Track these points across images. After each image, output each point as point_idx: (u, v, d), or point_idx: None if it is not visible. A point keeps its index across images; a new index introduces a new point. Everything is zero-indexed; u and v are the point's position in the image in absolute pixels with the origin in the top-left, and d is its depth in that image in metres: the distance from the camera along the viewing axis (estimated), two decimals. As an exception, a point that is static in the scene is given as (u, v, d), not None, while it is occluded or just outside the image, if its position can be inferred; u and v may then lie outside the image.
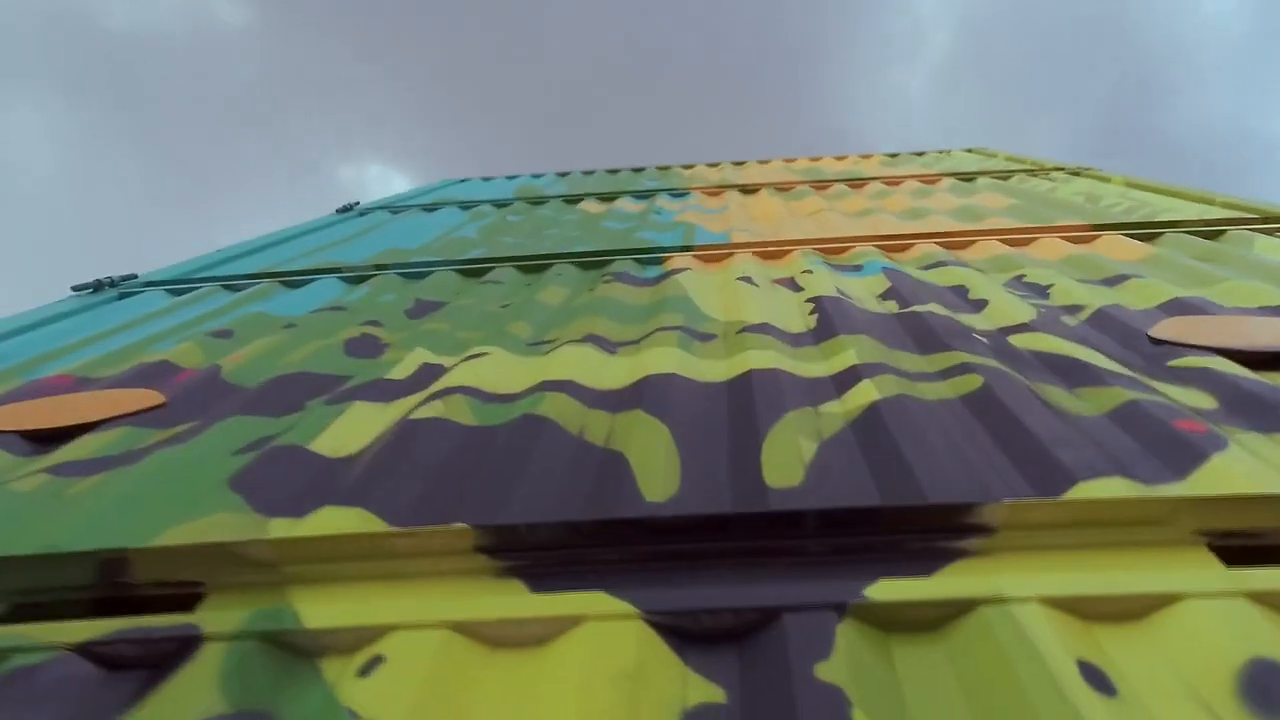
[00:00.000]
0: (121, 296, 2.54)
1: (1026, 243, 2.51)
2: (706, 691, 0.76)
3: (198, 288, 2.53)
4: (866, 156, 5.58)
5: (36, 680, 0.81)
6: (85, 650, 0.85)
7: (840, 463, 1.12)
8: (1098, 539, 0.97)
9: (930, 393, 1.37)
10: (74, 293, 2.50)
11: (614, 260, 2.52)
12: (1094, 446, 1.12)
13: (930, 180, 4.09)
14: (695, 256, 2.53)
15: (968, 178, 4.07)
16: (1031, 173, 4.07)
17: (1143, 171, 5.85)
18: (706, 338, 1.76)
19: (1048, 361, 1.49)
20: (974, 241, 2.50)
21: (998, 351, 1.54)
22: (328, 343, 1.84)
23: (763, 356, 1.53)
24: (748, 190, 4.15)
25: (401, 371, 1.63)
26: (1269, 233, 2.46)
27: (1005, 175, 4.07)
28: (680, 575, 0.94)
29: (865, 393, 1.34)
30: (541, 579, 0.97)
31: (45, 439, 1.43)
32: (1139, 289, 1.91)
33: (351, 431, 1.35)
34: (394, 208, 4.22)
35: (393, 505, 1.08)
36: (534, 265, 2.54)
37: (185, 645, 0.85)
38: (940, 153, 5.61)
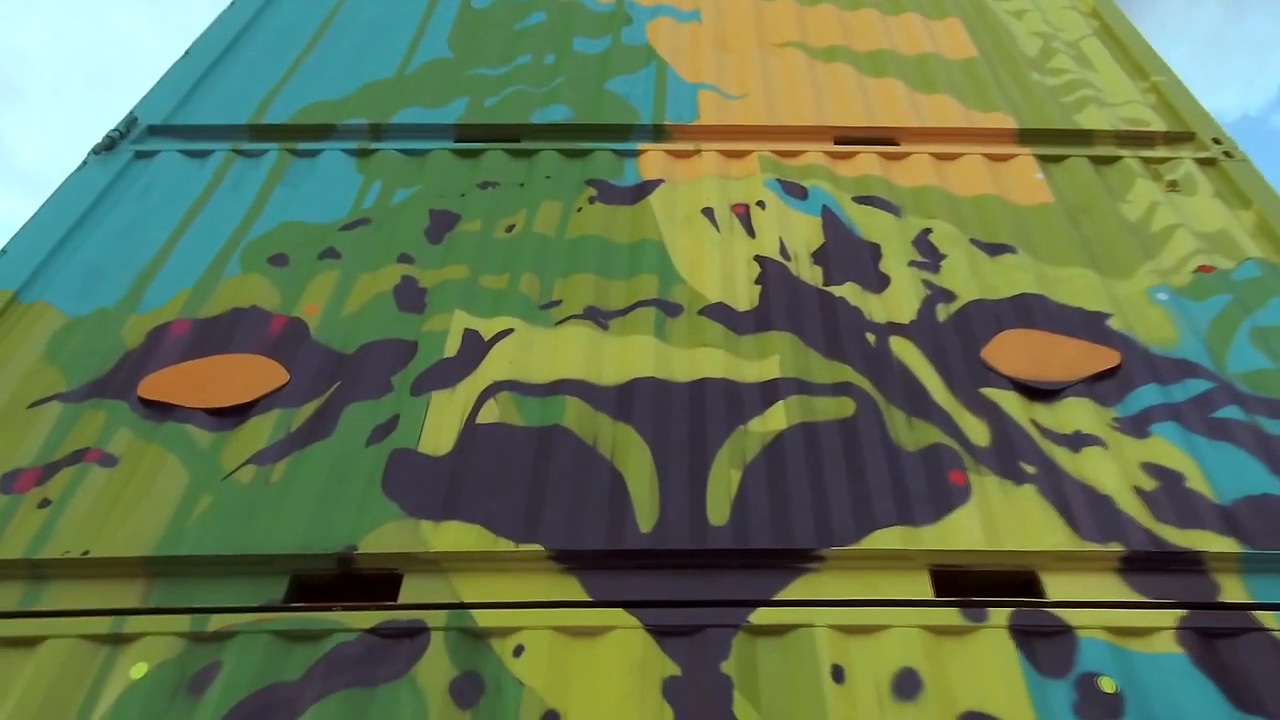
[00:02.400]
0: (138, 156, 2.72)
1: (954, 158, 2.91)
2: (672, 669, 1.66)
3: (211, 152, 2.73)
4: None
5: (347, 654, 1.64)
6: (373, 631, 1.67)
7: (750, 503, 1.90)
8: (875, 565, 1.84)
9: (821, 412, 2.10)
10: (95, 156, 2.66)
11: (593, 152, 2.83)
12: (893, 496, 1.92)
13: None
14: (666, 153, 2.85)
15: None
16: None
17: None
18: (675, 311, 2.33)
19: (905, 381, 2.19)
20: (908, 155, 2.88)
21: (875, 365, 2.22)
22: (379, 291, 2.32)
23: (712, 359, 2.17)
24: None
25: (451, 346, 2.20)
26: (1156, 161, 2.93)
27: None
28: (663, 585, 1.78)
29: (776, 418, 2.06)
30: (586, 577, 1.79)
31: (218, 413, 2.03)
32: (1007, 271, 2.50)
33: (440, 430, 2.01)
34: None
35: (495, 521, 1.84)
36: (522, 150, 2.83)
37: (421, 631, 1.67)
38: None
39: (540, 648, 1.66)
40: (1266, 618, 1.75)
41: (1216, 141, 3.02)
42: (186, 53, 3.19)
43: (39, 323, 2.23)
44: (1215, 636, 1.72)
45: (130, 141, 2.76)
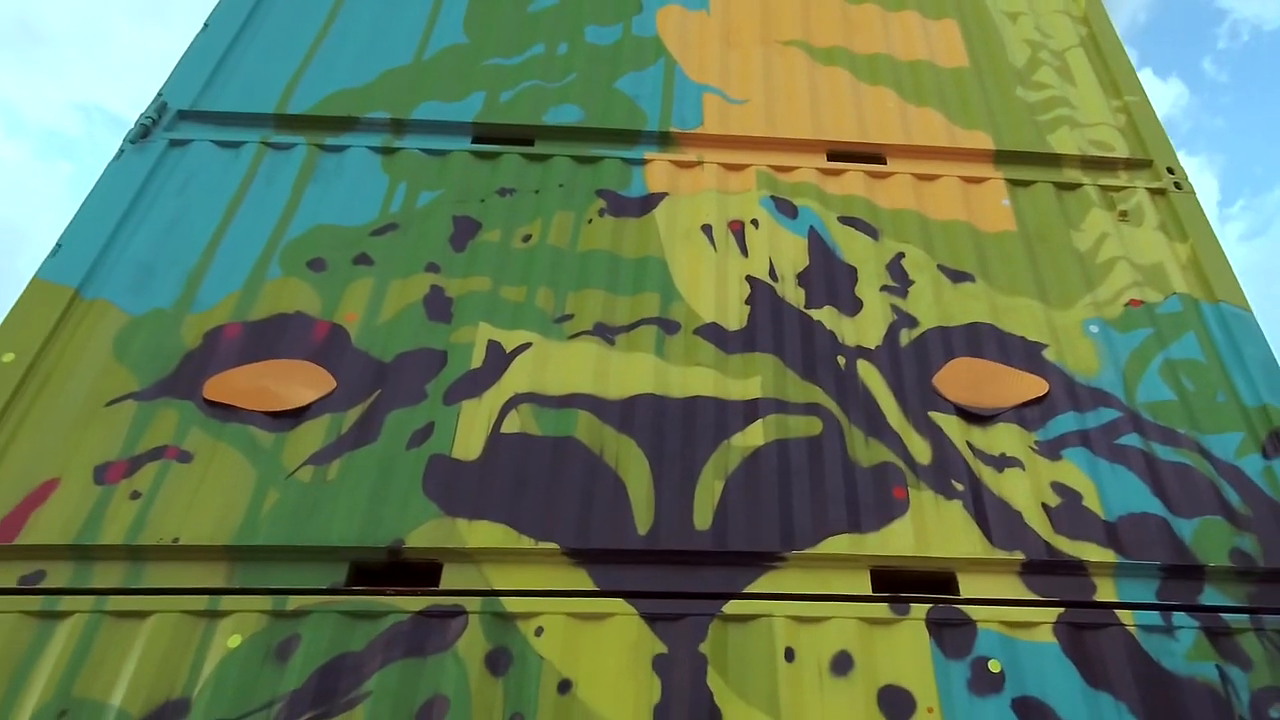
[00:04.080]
0: (172, 145, 2.87)
1: (933, 179, 3.17)
2: (660, 648, 2.09)
3: (242, 144, 2.89)
4: None
5: (401, 631, 2.04)
6: (421, 613, 2.07)
7: (729, 510, 2.30)
8: (826, 566, 2.27)
9: (793, 430, 2.47)
10: (131, 145, 2.80)
11: (603, 160, 3.03)
12: (846, 507, 2.33)
13: None
14: (671, 163, 3.07)
15: None
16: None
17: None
18: (674, 329, 2.64)
19: (866, 403, 2.56)
20: (892, 175, 3.14)
21: (843, 388, 2.58)
22: (410, 300, 2.59)
23: (703, 379, 2.52)
24: None
25: (477, 357, 2.51)
26: (1113, 189, 3.23)
27: None
28: (655, 579, 2.19)
29: (755, 435, 2.43)
30: (593, 570, 2.20)
31: (276, 415, 2.34)
32: (964, 300, 2.83)
33: (470, 437, 2.35)
34: None
35: (518, 521, 2.22)
36: (536, 155, 3.02)
37: (460, 614, 2.07)
38: None
39: (556, 629, 2.08)
40: (1125, 615, 2.24)
41: (1170, 171, 3.31)
42: (206, 25, 3.24)
43: (103, 320, 2.48)
44: (1083, 629, 2.21)
45: (163, 129, 2.89)
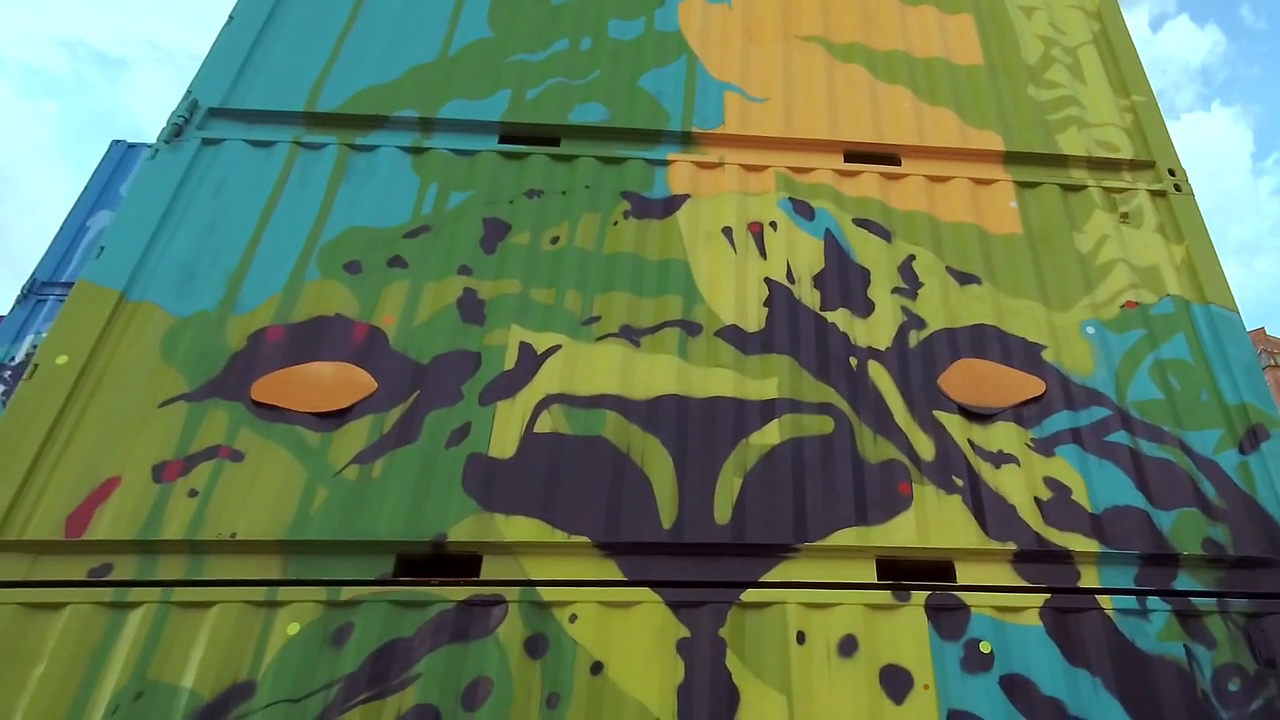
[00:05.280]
0: (205, 144, 2.93)
1: (945, 180, 3.27)
2: (684, 633, 2.28)
3: (274, 143, 2.96)
4: None
5: (447, 619, 2.21)
6: (465, 602, 2.24)
7: (747, 505, 2.46)
8: (835, 556, 2.45)
9: (807, 429, 2.63)
10: (165, 144, 2.86)
11: (627, 160, 3.11)
12: (854, 502, 2.50)
13: None
14: (693, 164, 3.16)
15: None
16: None
17: None
18: (696, 330, 2.77)
19: (876, 403, 2.71)
20: (905, 176, 3.24)
21: (854, 388, 2.73)
22: (444, 303, 2.71)
23: (723, 379, 2.66)
24: None
25: (510, 359, 2.63)
26: (1116, 190, 3.34)
27: None
28: (679, 569, 2.37)
29: (771, 434, 2.59)
30: (622, 561, 2.37)
31: (321, 415, 2.47)
32: (970, 302, 2.97)
33: (505, 436, 2.49)
34: None
35: (552, 516, 2.38)
36: (562, 155, 3.10)
37: (500, 602, 2.25)
38: None
39: (589, 616, 2.26)
40: (1104, 600, 2.44)
41: (1171, 173, 3.43)
42: (231, 18, 3.26)
43: (149, 323, 2.59)
44: (1066, 612, 2.41)
45: (195, 127, 2.95)
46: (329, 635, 2.18)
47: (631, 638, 2.24)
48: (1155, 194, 3.36)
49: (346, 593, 2.23)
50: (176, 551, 2.27)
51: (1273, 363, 24.12)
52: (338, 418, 2.49)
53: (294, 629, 2.17)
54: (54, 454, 2.34)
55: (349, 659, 2.14)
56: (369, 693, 2.10)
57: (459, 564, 2.34)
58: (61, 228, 7.14)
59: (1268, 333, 25.33)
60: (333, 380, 2.54)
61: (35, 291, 6.79)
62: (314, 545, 2.30)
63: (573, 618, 2.25)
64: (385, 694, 2.11)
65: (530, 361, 2.65)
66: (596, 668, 2.19)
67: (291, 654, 2.13)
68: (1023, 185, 3.32)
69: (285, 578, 2.26)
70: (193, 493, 2.33)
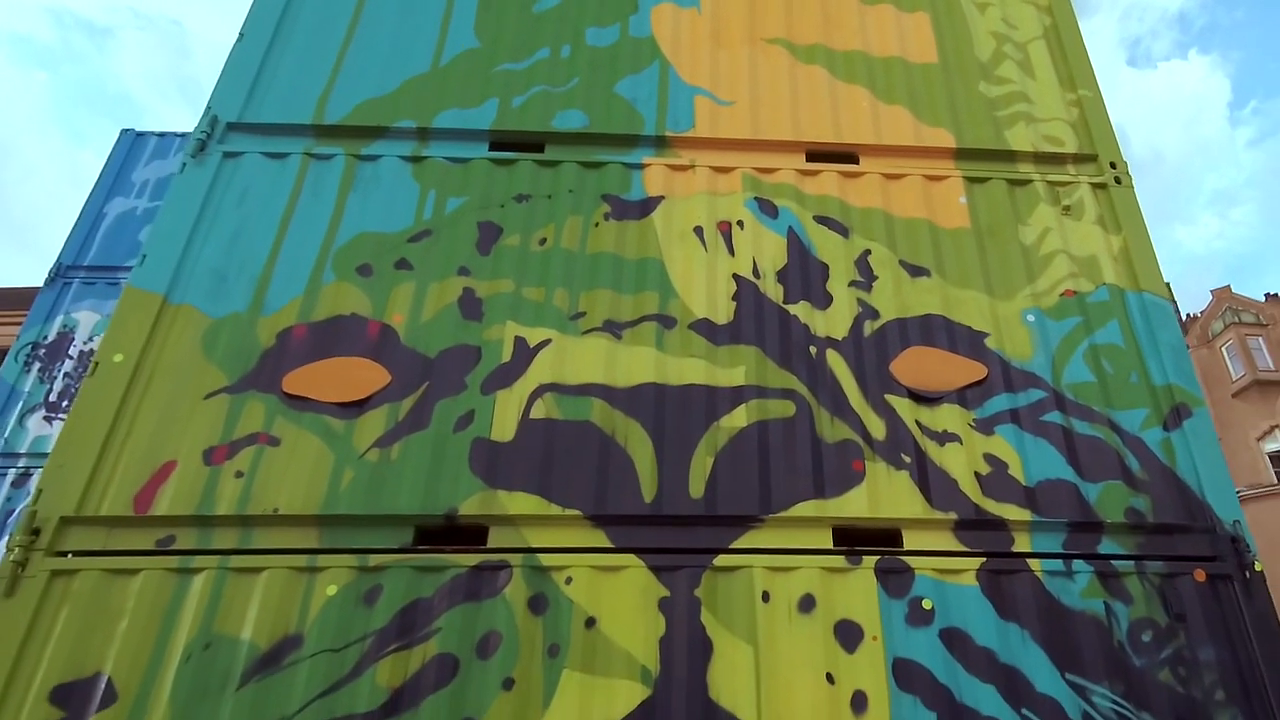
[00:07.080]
0: (226, 157, 3.22)
1: (899, 178, 3.56)
2: (664, 593, 2.66)
3: (287, 155, 3.24)
4: None
5: (460, 582, 2.59)
6: (475, 567, 2.61)
7: (718, 480, 2.82)
8: (796, 526, 2.83)
9: (772, 413, 2.97)
10: (192, 159, 3.14)
11: (606, 165, 3.40)
12: (813, 478, 2.86)
13: None
14: (667, 166, 3.44)
15: None
16: None
17: None
18: (671, 324, 3.10)
19: (833, 388, 3.05)
20: (863, 174, 3.52)
21: (814, 375, 3.06)
22: (446, 302, 3.03)
23: (696, 368, 3.00)
24: None
25: (506, 352, 2.97)
26: (1060, 183, 3.63)
27: None
28: (659, 537, 2.74)
29: (740, 417, 2.93)
30: (610, 531, 2.74)
31: (344, 405, 2.82)
32: (921, 293, 3.28)
33: (505, 422, 2.84)
34: None
35: (548, 492, 2.74)
36: (547, 161, 3.39)
37: (506, 567, 2.62)
38: None
39: (582, 578, 2.64)
40: (1034, 563, 2.81)
41: (1112, 165, 3.70)
42: (241, 35, 3.50)
43: (190, 323, 2.92)
44: (1000, 574, 2.77)
45: (216, 141, 3.24)
46: (362, 595, 2.56)
47: (619, 597, 2.62)
48: (1097, 186, 3.64)
49: (374, 559, 2.61)
50: (229, 525, 2.64)
51: (1236, 320, 24.31)
52: (358, 407, 2.84)
53: (332, 590, 2.55)
54: (119, 441, 2.70)
55: (380, 615, 2.52)
56: (398, 644, 2.49)
57: (469, 534, 2.72)
58: (80, 214, 7.53)
59: (1234, 290, 25.49)
60: (351, 373, 2.88)
61: (61, 275, 7.17)
62: (344, 519, 2.67)
63: (569, 580, 2.63)
64: (412, 645, 2.50)
65: (524, 354, 2.99)
66: (590, 622, 2.57)
67: (331, 611, 2.52)
68: (972, 180, 3.60)
69: (321, 546, 2.64)
70: (239, 474, 2.70)
